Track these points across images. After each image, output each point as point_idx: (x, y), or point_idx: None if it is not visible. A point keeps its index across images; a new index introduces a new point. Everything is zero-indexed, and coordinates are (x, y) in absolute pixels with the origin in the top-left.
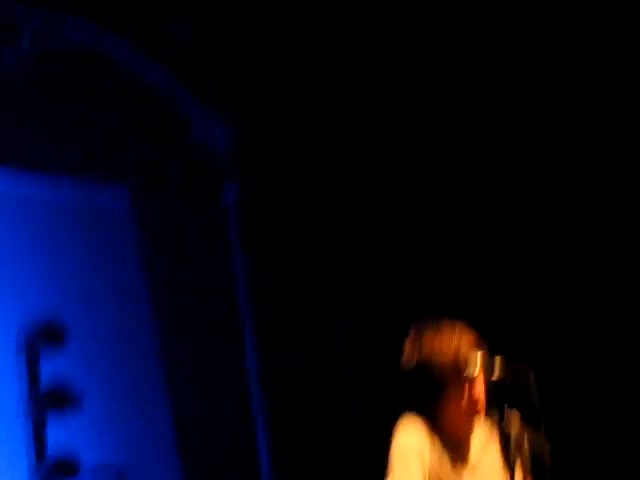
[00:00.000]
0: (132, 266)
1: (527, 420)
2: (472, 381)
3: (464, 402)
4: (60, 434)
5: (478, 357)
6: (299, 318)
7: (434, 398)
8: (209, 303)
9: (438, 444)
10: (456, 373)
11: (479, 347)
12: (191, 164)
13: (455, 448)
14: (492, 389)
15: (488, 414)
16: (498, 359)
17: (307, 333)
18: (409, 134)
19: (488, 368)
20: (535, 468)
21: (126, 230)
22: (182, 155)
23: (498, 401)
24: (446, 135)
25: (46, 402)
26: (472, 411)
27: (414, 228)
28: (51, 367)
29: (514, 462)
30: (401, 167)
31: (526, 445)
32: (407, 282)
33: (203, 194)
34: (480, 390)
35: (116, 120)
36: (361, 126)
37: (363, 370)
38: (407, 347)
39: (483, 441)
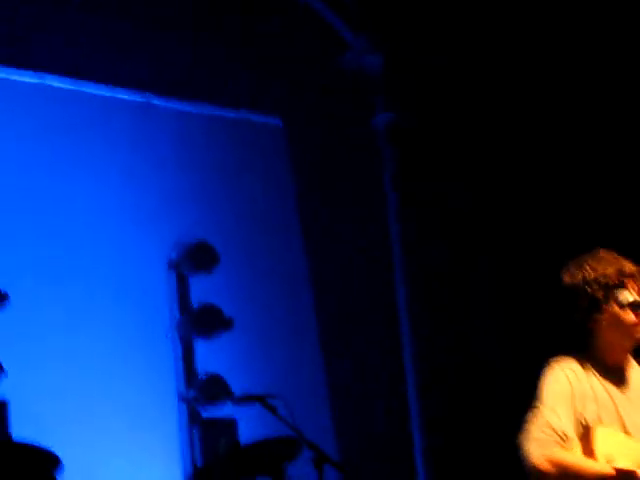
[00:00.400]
0: (284, 193)
1: None
2: (629, 306)
3: (619, 325)
4: (209, 357)
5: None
6: (442, 246)
7: (591, 318)
8: (359, 226)
9: (593, 375)
10: (614, 295)
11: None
12: (343, 89)
13: (611, 376)
14: None
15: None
16: None
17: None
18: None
19: None
20: None
21: (279, 155)
22: (335, 80)
23: None
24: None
25: (196, 323)
26: (627, 336)
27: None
28: (201, 289)
29: None
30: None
31: None
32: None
33: (354, 118)
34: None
35: (273, 45)
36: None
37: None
38: (567, 272)
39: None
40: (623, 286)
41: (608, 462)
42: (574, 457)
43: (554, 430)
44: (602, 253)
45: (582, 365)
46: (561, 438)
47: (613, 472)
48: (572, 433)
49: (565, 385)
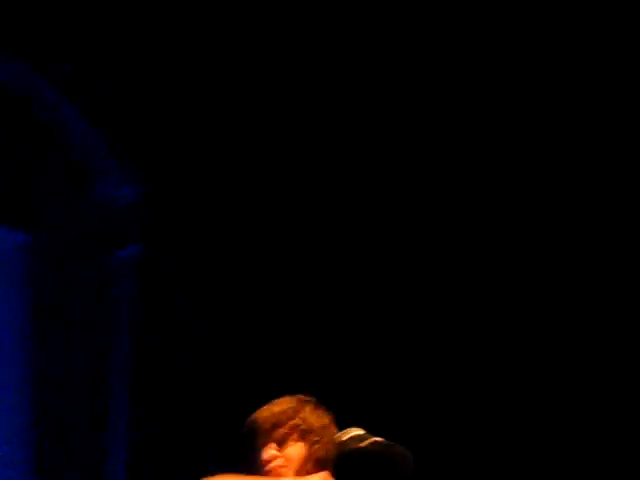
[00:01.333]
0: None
1: None
2: (261, 445)
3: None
4: None
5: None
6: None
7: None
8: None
9: None
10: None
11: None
12: (91, 219)
13: None
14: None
15: None
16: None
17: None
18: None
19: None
20: None
21: (17, 273)
22: (83, 209)
23: None
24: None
25: None
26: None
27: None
28: None
29: None
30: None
31: None
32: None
33: (99, 251)
34: (270, 455)
35: (22, 165)
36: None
37: None
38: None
39: None
40: (255, 441)
41: None
42: None
43: None
44: (274, 403)
45: None
46: None
47: None
48: None
49: None
